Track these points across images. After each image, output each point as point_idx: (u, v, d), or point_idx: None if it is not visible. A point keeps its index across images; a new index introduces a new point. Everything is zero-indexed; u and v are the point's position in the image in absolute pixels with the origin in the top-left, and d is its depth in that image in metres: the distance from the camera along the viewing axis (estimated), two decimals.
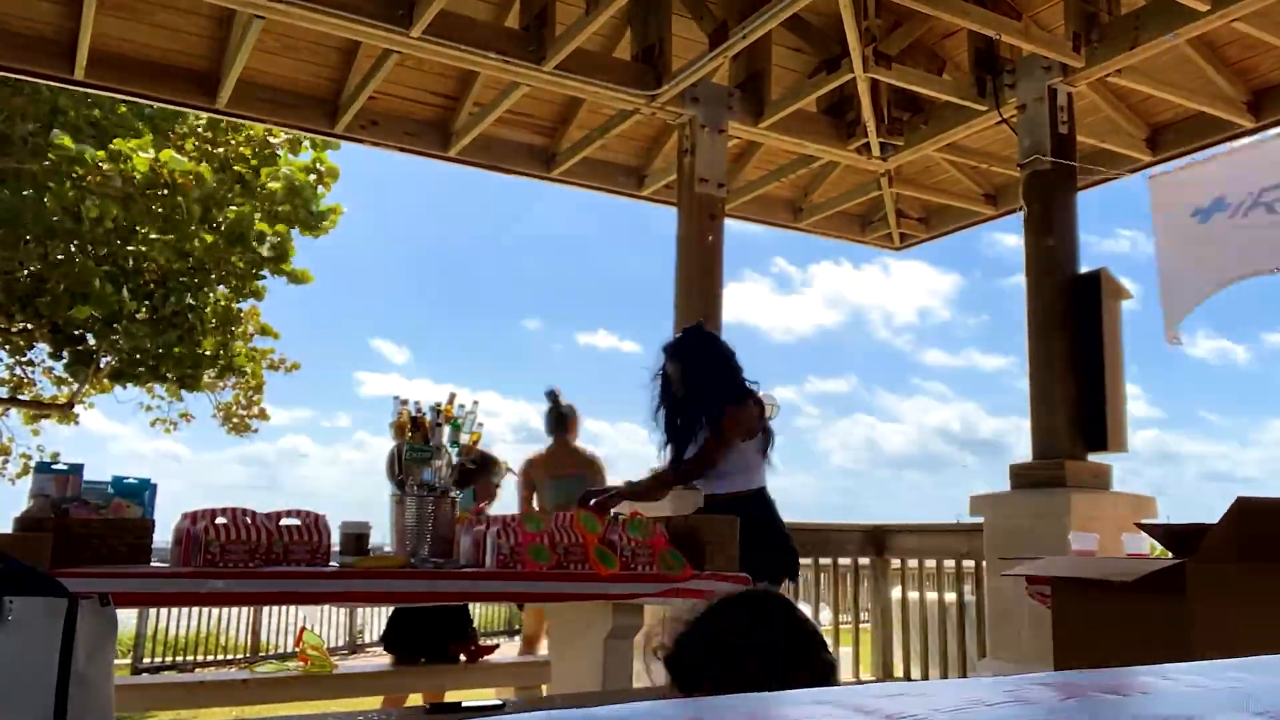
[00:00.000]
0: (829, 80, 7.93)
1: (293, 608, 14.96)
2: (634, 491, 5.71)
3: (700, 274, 7.78)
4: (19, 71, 7.72)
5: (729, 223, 8.23)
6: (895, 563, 8.66)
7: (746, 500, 5.50)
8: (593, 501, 5.45)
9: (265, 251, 15.93)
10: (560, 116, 9.14)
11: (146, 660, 13.87)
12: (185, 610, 13.05)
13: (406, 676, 6.60)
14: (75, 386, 17.30)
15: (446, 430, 5.42)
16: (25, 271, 14.66)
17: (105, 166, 13.73)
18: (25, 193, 13.70)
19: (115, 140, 14.02)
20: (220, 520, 4.47)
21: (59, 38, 7.37)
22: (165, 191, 14.27)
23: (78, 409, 17.97)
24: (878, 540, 8.68)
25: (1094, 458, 7.00)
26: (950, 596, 8.20)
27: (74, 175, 13.74)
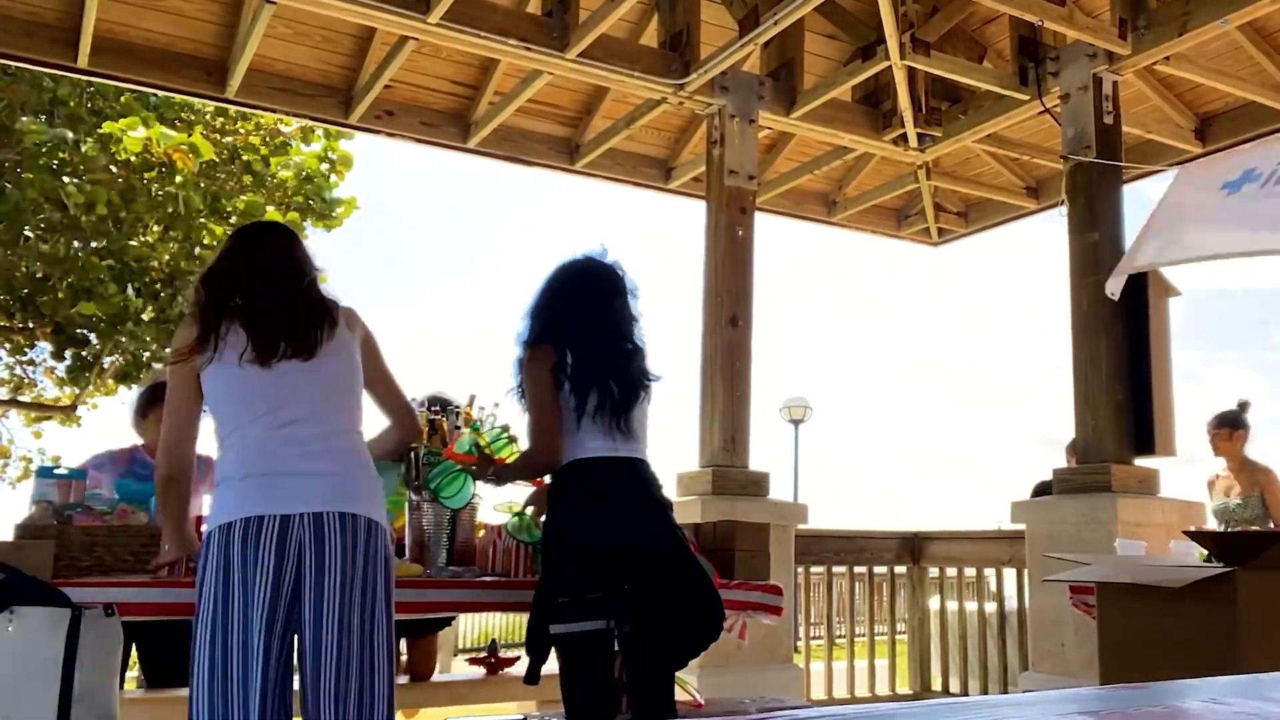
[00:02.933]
0: (864, 68, 7.93)
1: None
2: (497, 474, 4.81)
3: (731, 270, 7.78)
4: (21, 60, 7.75)
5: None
6: (933, 571, 8.66)
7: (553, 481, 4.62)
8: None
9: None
10: (584, 106, 9.16)
11: None
12: None
13: (425, 690, 6.63)
14: (80, 388, 17.36)
15: (467, 433, 5.43)
16: (26, 269, 14.71)
17: (85, 148, 13.76)
18: (28, 179, 13.76)
19: (105, 124, 14.04)
20: None
21: (62, 24, 7.40)
22: (163, 171, 14.29)
23: (81, 411, 18.03)
24: (915, 547, 8.68)
25: (1141, 462, 6.99)
26: (990, 606, 8.20)
27: (56, 161, 13.76)
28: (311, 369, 3.63)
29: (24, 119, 13.46)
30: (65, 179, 13.64)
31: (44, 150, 13.53)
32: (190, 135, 14.95)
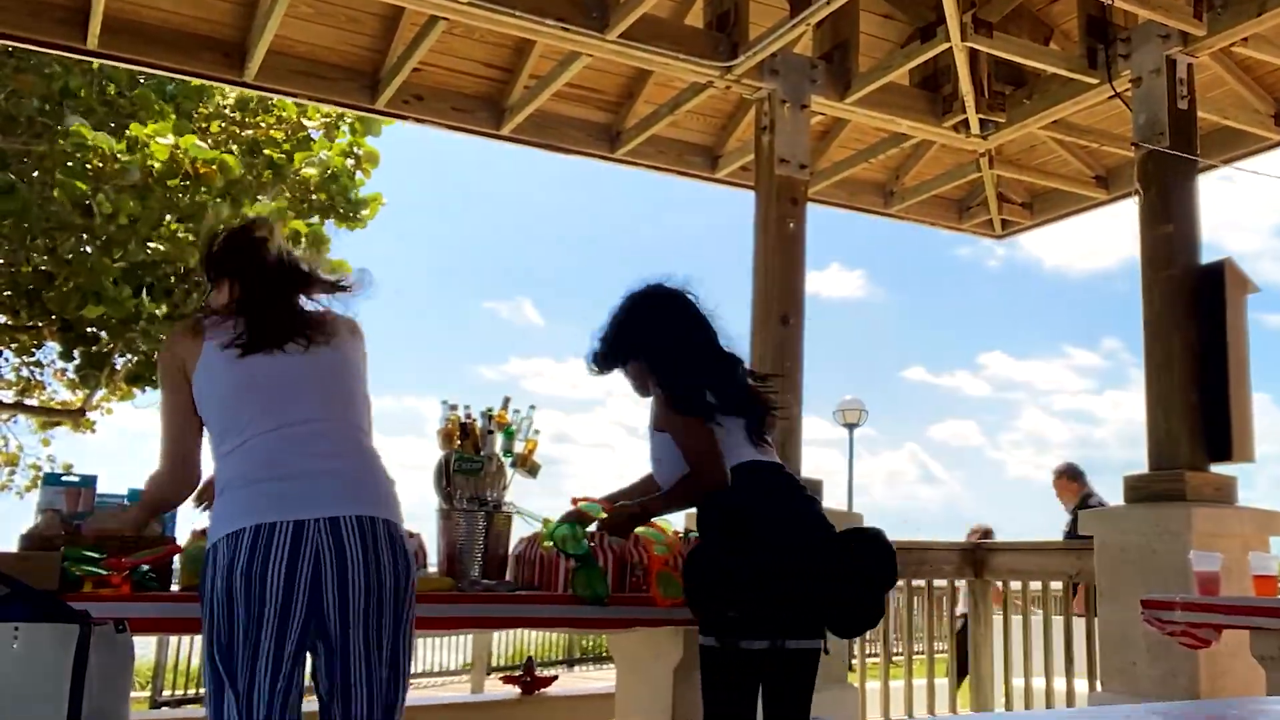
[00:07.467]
0: (923, 50, 7.93)
1: None
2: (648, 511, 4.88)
3: (781, 264, 7.77)
4: (27, 41, 7.75)
5: None
6: (996, 584, 8.63)
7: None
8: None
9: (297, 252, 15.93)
10: (625, 91, 9.19)
11: (166, 693, 13.97)
12: None
13: (455, 711, 6.67)
14: (89, 391, 17.39)
15: (499, 438, 5.45)
16: (31, 267, 14.76)
17: (123, 158, 13.81)
18: (32, 175, 13.85)
19: (133, 126, 14.09)
20: None
21: (70, 3, 7.42)
22: (187, 182, 14.34)
23: (94, 415, 18.07)
24: (977, 559, 8.66)
25: (1217, 468, 6.97)
26: (1057, 621, 8.19)
27: (87, 166, 13.83)
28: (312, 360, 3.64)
29: (71, 119, 13.54)
30: (90, 185, 13.71)
31: (78, 153, 13.61)
32: (209, 129, 15.05)
